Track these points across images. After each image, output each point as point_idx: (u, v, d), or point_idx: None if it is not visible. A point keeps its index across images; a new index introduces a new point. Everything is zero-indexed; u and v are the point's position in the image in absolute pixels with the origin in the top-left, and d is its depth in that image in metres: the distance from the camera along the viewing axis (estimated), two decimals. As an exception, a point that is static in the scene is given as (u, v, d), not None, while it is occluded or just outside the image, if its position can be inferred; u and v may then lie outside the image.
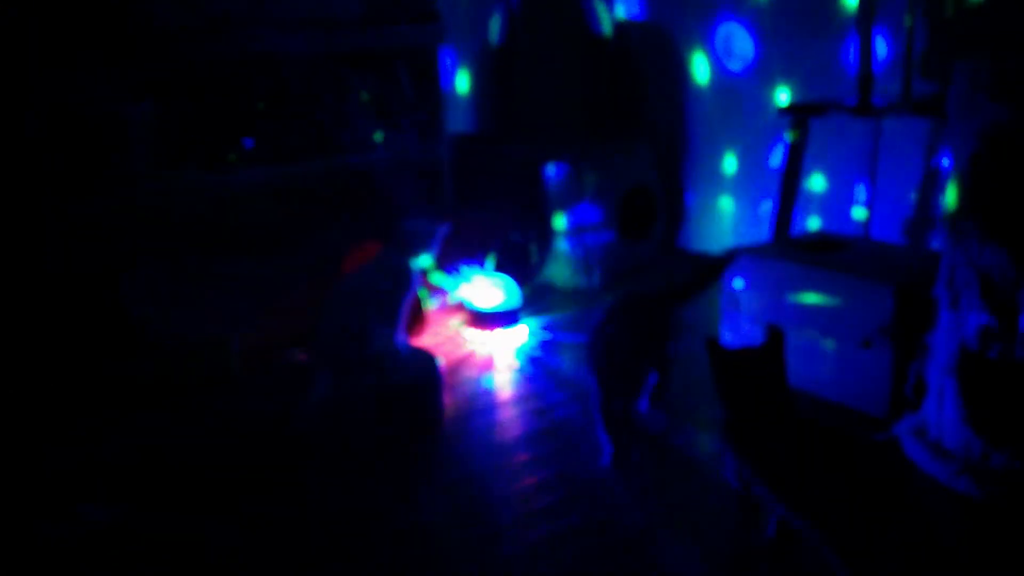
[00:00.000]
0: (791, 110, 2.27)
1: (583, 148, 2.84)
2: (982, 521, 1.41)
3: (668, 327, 1.69)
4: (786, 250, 2.03)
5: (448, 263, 2.37)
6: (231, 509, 1.53)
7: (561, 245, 2.75)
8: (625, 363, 1.60)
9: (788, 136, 2.28)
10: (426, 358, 1.91)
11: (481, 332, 2.35)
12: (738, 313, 2.02)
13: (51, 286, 2.04)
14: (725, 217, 2.96)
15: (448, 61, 3.09)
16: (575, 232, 2.72)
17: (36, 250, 2.05)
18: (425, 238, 1.93)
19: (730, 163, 2.90)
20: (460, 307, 2.40)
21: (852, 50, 2.34)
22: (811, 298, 1.84)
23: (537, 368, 2.15)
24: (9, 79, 2.01)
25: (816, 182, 2.60)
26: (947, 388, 1.53)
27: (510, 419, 1.86)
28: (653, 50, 3.05)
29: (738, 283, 2.01)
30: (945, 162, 1.53)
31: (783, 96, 2.61)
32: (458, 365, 2.19)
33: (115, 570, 1.38)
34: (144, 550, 1.42)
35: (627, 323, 1.62)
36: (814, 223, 2.63)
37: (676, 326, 1.71)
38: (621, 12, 3.12)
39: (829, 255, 1.95)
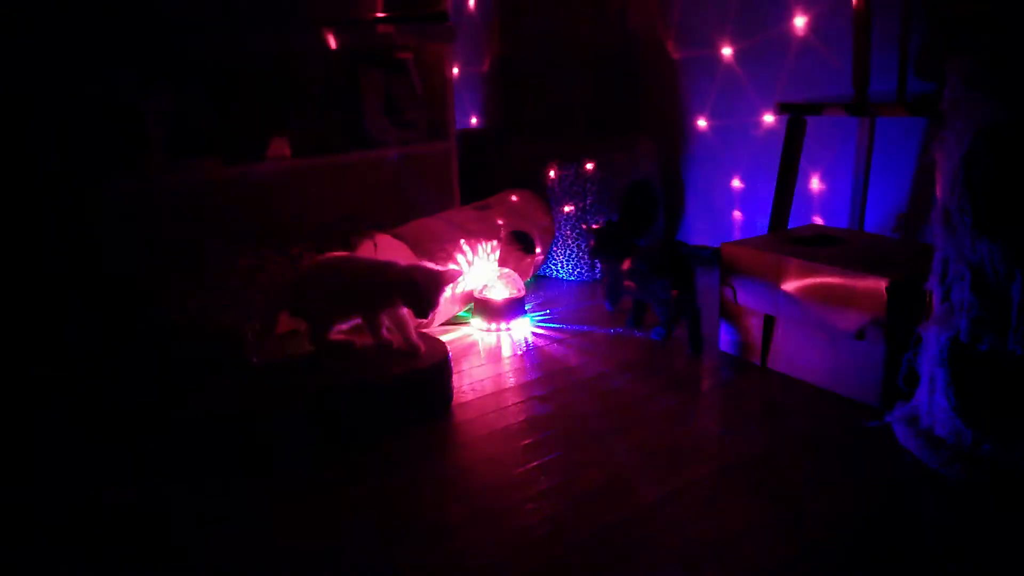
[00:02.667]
0: (788, 108, 2.30)
1: (587, 145, 2.87)
2: (971, 507, 1.45)
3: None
4: (782, 243, 2.06)
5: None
6: (231, 506, 1.54)
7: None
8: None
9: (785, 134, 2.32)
10: (435, 346, 1.96)
11: (488, 321, 2.41)
12: (735, 304, 2.08)
13: (54, 284, 2.07)
14: (723, 212, 3.01)
15: (457, 59, 3.11)
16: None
17: (36, 249, 2.08)
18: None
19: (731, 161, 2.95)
20: (468, 297, 2.44)
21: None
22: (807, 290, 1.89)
23: (540, 356, 2.21)
24: (17, 74, 2.02)
25: (812, 178, 2.65)
26: (938, 378, 1.57)
27: (514, 405, 1.90)
28: (655, 50, 3.10)
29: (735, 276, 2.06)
30: (938, 158, 1.56)
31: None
32: (465, 353, 2.25)
33: (115, 564, 1.37)
34: (144, 545, 1.42)
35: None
36: (810, 217, 2.68)
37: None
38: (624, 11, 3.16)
39: (824, 248, 1.99)
